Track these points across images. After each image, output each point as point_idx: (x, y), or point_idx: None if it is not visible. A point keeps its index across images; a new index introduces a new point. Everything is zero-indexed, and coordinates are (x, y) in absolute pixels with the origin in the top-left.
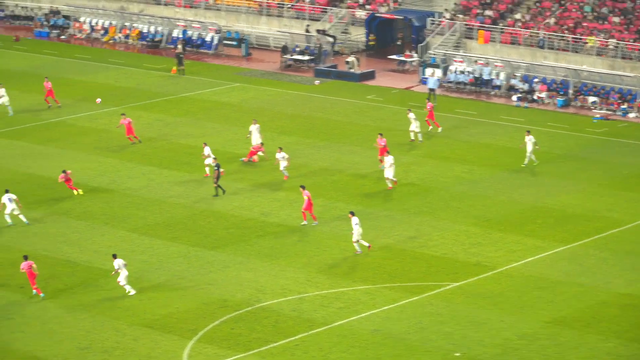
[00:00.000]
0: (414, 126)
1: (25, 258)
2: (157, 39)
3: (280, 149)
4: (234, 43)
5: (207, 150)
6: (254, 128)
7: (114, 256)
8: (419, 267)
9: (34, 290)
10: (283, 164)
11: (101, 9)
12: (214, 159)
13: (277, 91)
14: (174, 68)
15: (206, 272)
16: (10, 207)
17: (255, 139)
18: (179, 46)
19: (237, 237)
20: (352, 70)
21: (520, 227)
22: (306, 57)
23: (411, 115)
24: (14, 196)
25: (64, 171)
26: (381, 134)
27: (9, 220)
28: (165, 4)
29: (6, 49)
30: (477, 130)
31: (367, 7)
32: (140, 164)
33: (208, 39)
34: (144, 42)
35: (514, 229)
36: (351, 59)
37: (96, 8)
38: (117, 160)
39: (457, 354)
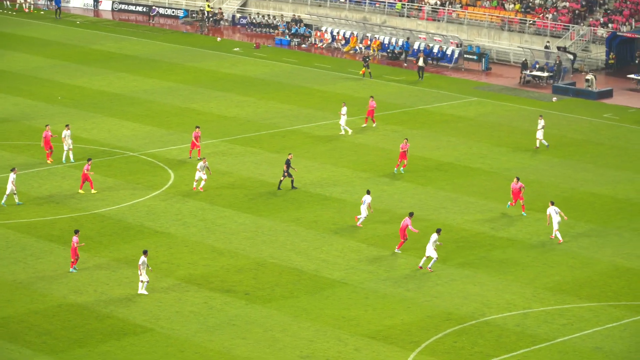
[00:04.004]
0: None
1: (76, 232)
2: (397, 50)
3: None
4: (475, 57)
5: None
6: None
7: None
8: None
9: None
10: None
11: (343, 18)
12: None
13: (514, 107)
14: (363, 69)
15: (433, 285)
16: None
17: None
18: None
19: (465, 250)
20: (590, 89)
21: None
22: (545, 74)
23: None
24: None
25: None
26: None
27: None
28: (408, 17)
29: (246, 56)
30: None
31: (609, 25)
32: (375, 175)
33: (449, 52)
34: (384, 53)
35: None
36: (590, 76)
37: (339, 18)
38: (350, 170)
39: None
